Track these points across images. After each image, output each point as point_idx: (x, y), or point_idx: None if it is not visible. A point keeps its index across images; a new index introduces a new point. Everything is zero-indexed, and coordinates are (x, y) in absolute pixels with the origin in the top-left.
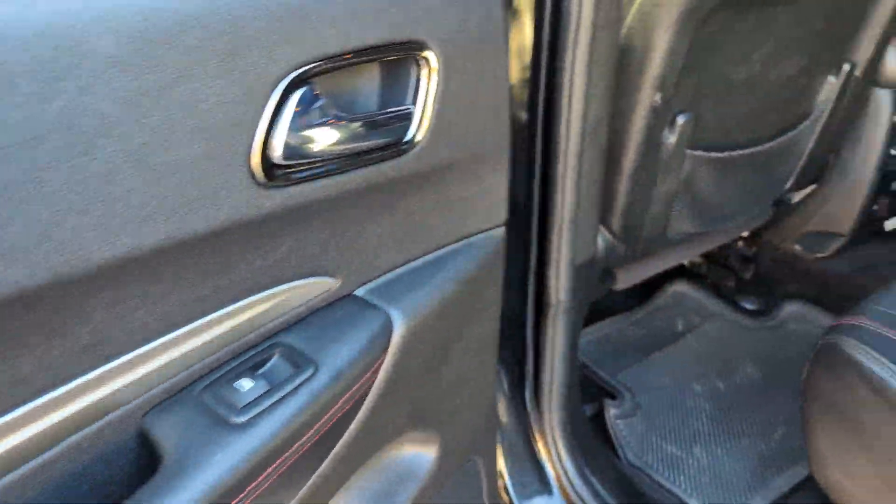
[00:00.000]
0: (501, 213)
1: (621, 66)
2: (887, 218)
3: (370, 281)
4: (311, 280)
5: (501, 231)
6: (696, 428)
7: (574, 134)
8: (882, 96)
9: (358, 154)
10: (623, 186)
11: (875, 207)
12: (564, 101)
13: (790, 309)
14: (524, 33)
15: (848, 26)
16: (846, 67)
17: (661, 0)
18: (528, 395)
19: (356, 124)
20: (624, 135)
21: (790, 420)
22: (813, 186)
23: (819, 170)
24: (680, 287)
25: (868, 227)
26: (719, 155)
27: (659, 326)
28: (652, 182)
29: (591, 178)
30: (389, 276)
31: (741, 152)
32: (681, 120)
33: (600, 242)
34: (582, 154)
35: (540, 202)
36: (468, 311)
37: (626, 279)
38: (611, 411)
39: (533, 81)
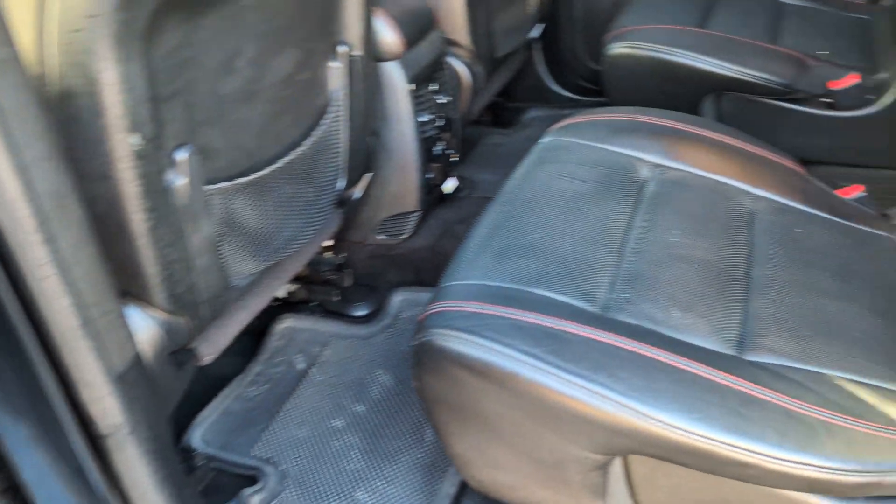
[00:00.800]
0: None
1: (69, 115)
2: (443, 181)
3: None
4: None
5: None
6: (351, 469)
7: (26, 219)
8: (391, 69)
9: None
10: (145, 254)
11: (430, 175)
12: None
13: (398, 300)
14: None
15: (325, 8)
16: (343, 49)
17: (81, 25)
18: None
19: None
20: (115, 195)
21: None
22: (369, 175)
23: (366, 157)
24: (286, 322)
25: (431, 194)
26: (250, 179)
27: (279, 374)
28: (180, 235)
29: (83, 263)
30: None
31: (273, 168)
32: (182, 156)
33: (148, 327)
34: (54, 240)
35: (28, 320)
36: None
37: (212, 348)
38: (253, 501)
39: None
